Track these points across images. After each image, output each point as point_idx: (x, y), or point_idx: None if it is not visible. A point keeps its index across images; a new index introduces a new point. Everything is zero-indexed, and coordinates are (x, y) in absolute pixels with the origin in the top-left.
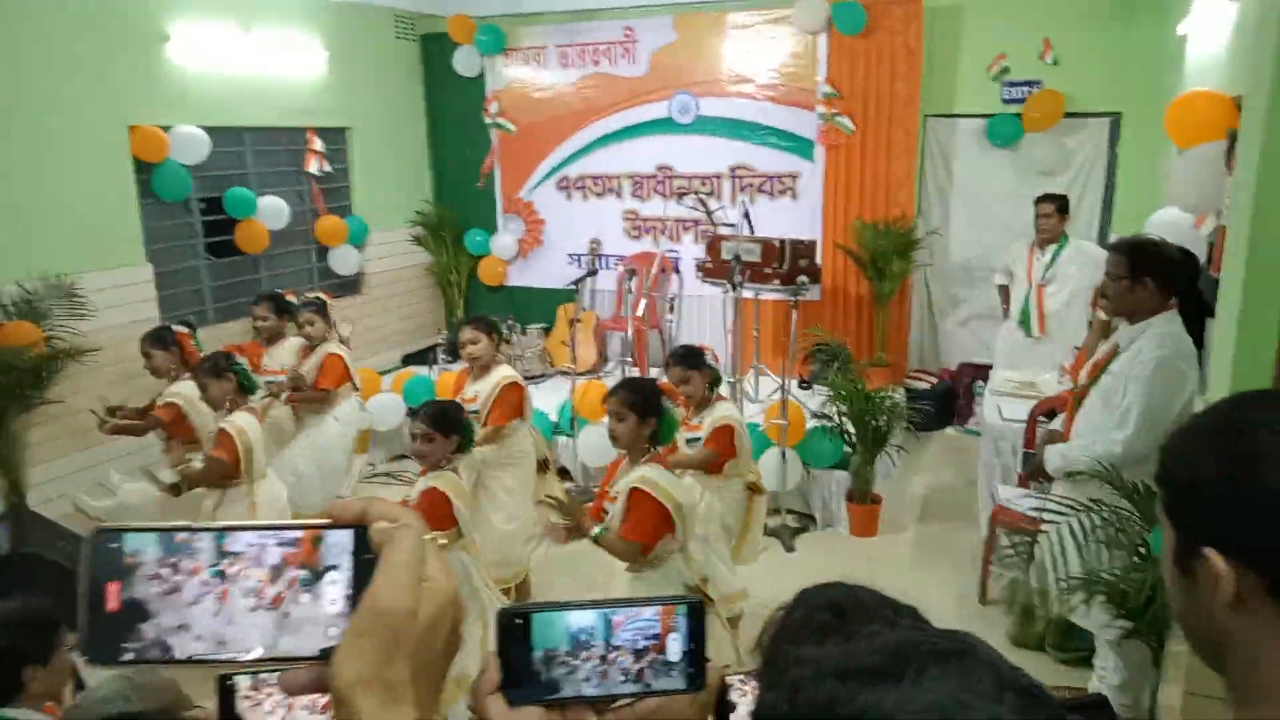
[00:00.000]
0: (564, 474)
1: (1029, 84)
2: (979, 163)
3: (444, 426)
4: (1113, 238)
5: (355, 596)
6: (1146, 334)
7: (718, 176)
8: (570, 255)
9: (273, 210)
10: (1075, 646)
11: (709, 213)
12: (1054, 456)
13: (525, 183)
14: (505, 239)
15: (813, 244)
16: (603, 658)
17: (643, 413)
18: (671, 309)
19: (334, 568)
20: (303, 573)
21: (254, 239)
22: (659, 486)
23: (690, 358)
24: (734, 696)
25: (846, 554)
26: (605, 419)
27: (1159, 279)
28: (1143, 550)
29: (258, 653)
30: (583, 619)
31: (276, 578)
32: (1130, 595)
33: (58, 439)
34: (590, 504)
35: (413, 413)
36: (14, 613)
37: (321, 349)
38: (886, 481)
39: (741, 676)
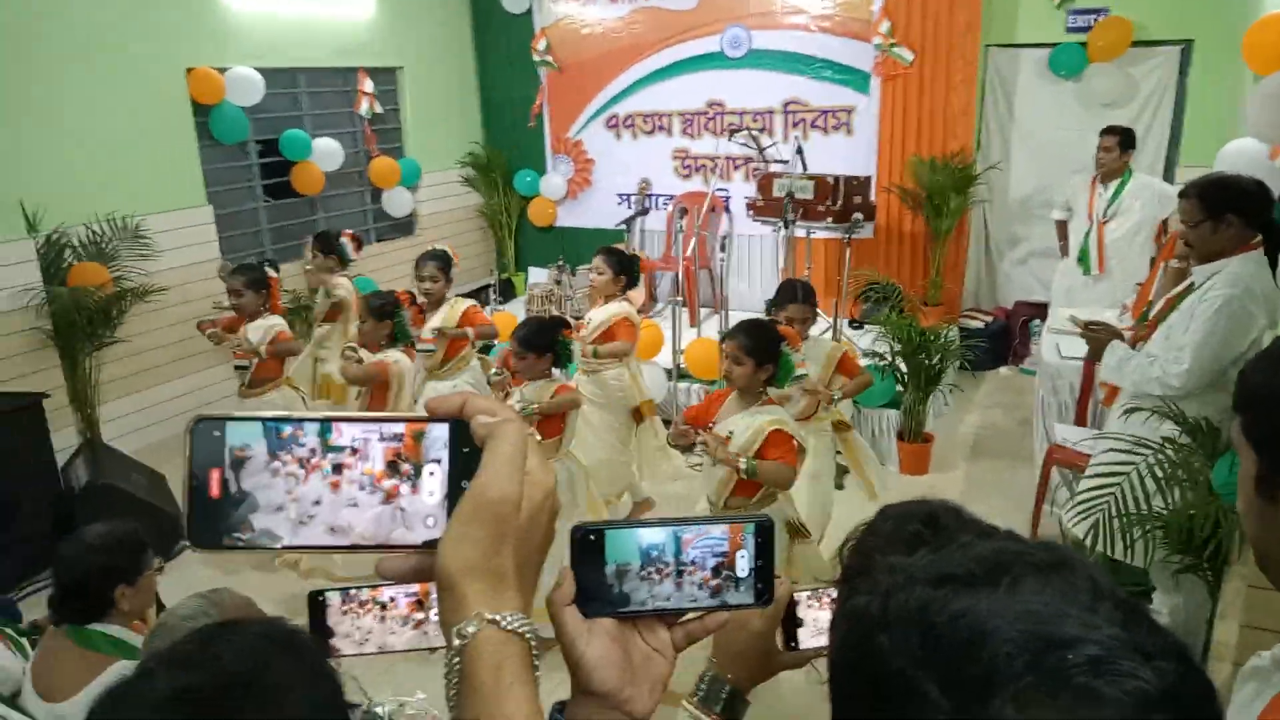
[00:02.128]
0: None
1: (1095, 11)
2: (1041, 95)
3: (535, 346)
4: (1180, 173)
5: (454, 489)
6: (1222, 273)
7: (770, 112)
8: (620, 195)
9: (327, 152)
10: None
11: (760, 149)
12: (1114, 355)
13: (574, 122)
14: (554, 179)
15: (867, 180)
16: (673, 573)
17: (761, 359)
18: (723, 248)
19: (434, 460)
20: (405, 465)
21: (310, 181)
22: (792, 428)
23: (812, 294)
24: (801, 612)
25: (896, 492)
26: (659, 356)
27: (1242, 213)
28: (1204, 486)
29: (361, 540)
30: (654, 536)
31: (378, 469)
32: (1193, 532)
33: (127, 376)
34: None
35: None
36: (104, 535)
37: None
38: (938, 420)
39: (809, 592)
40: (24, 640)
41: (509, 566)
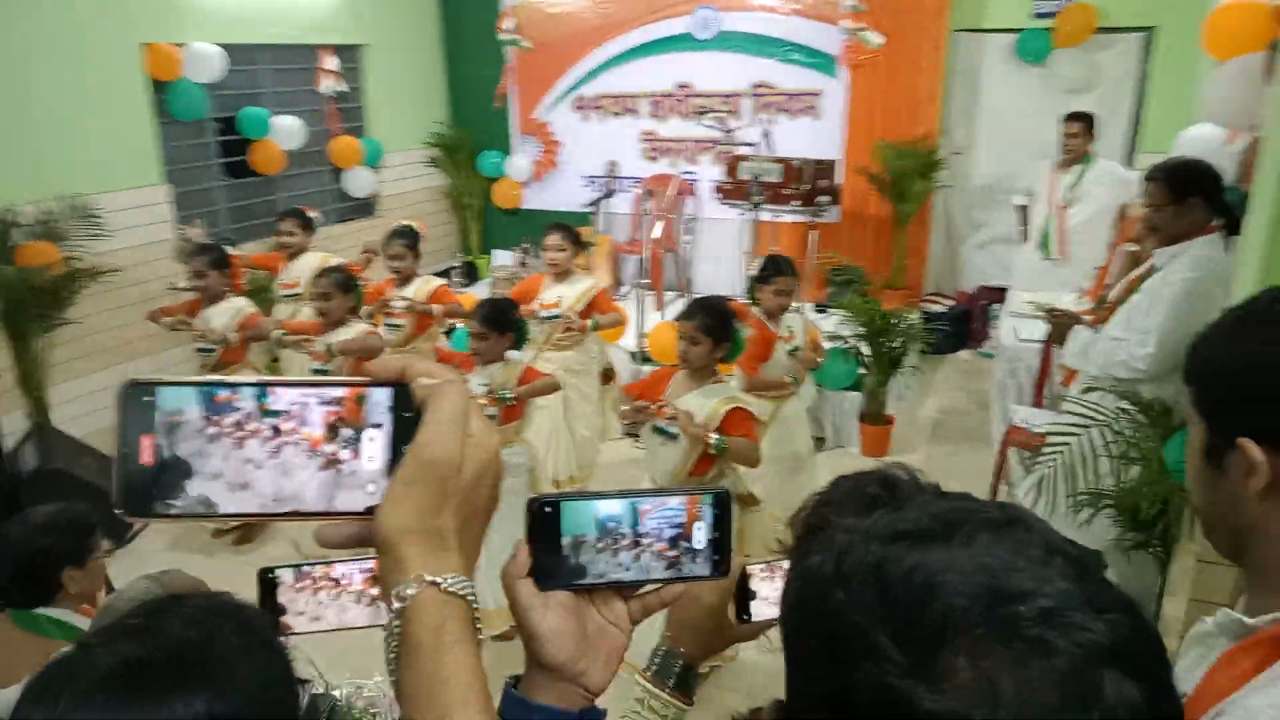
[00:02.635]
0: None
1: None
2: (1006, 80)
3: (497, 325)
4: (1140, 159)
5: (396, 454)
6: (1184, 255)
7: (738, 95)
8: (586, 177)
9: (287, 130)
10: None
11: (728, 132)
12: (1078, 341)
13: (541, 103)
14: (520, 161)
15: (832, 164)
16: (630, 545)
17: (718, 337)
18: (689, 231)
19: (375, 425)
20: (345, 429)
21: (269, 160)
22: (751, 404)
23: (794, 267)
24: (754, 584)
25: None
26: (624, 339)
27: (1206, 196)
28: (1155, 465)
29: (300, 507)
30: (610, 508)
31: (317, 434)
32: (1142, 508)
33: (79, 359)
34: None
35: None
36: (51, 516)
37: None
38: (899, 403)
39: (763, 565)
40: None
41: (450, 528)
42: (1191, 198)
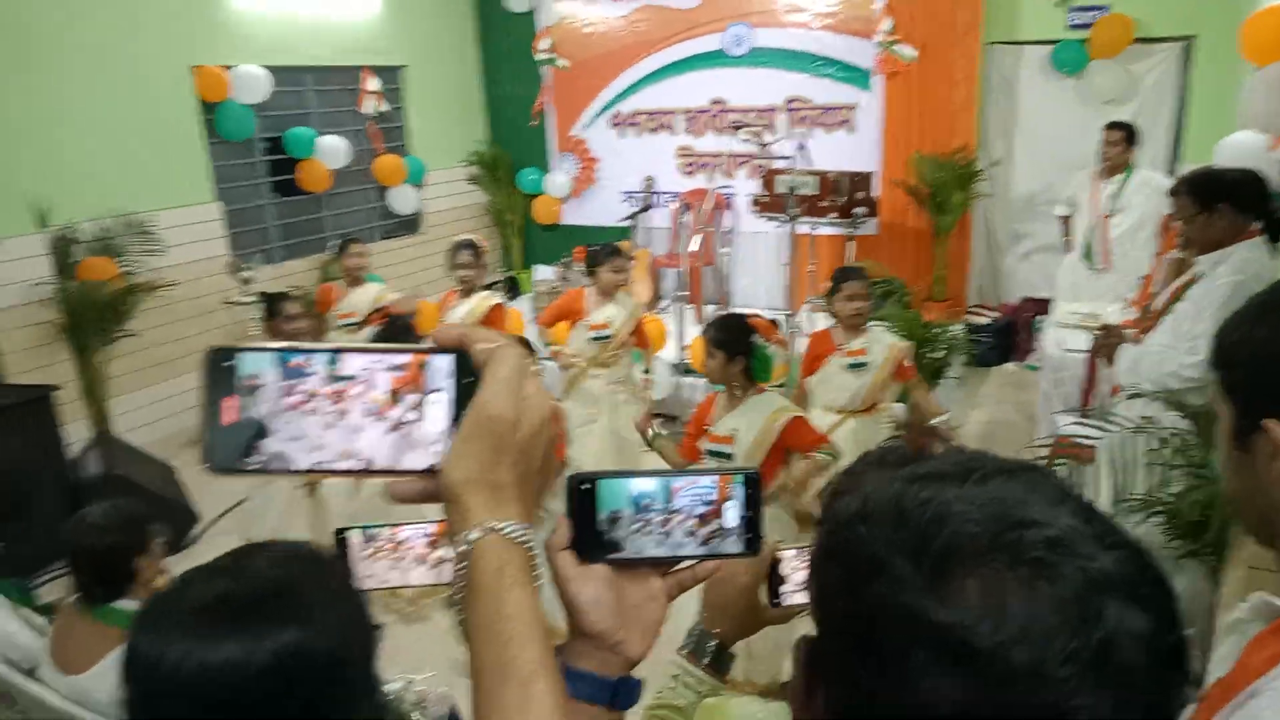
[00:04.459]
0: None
1: (1096, 8)
2: (1042, 92)
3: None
4: (1182, 168)
5: (457, 416)
6: (1227, 261)
7: (772, 109)
8: (624, 193)
9: (332, 150)
10: None
11: (764, 146)
12: (1126, 358)
13: (578, 120)
14: (559, 177)
15: (869, 176)
16: (663, 521)
17: (730, 350)
18: (726, 244)
19: (437, 390)
20: (409, 394)
21: (315, 178)
22: (797, 409)
23: (862, 272)
24: (785, 569)
25: None
26: (663, 351)
27: (1233, 202)
28: (1203, 472)
29: (370, 465)
30: (644, 485)
31: (384, 397)
32: (1186, 513)
33: (138, 371)
34: (678, 443)
35: None
36: (107, 513)
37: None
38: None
39: (794, 550)
40: (42, 619)
41: (508, 480)
42: (1219, 205)
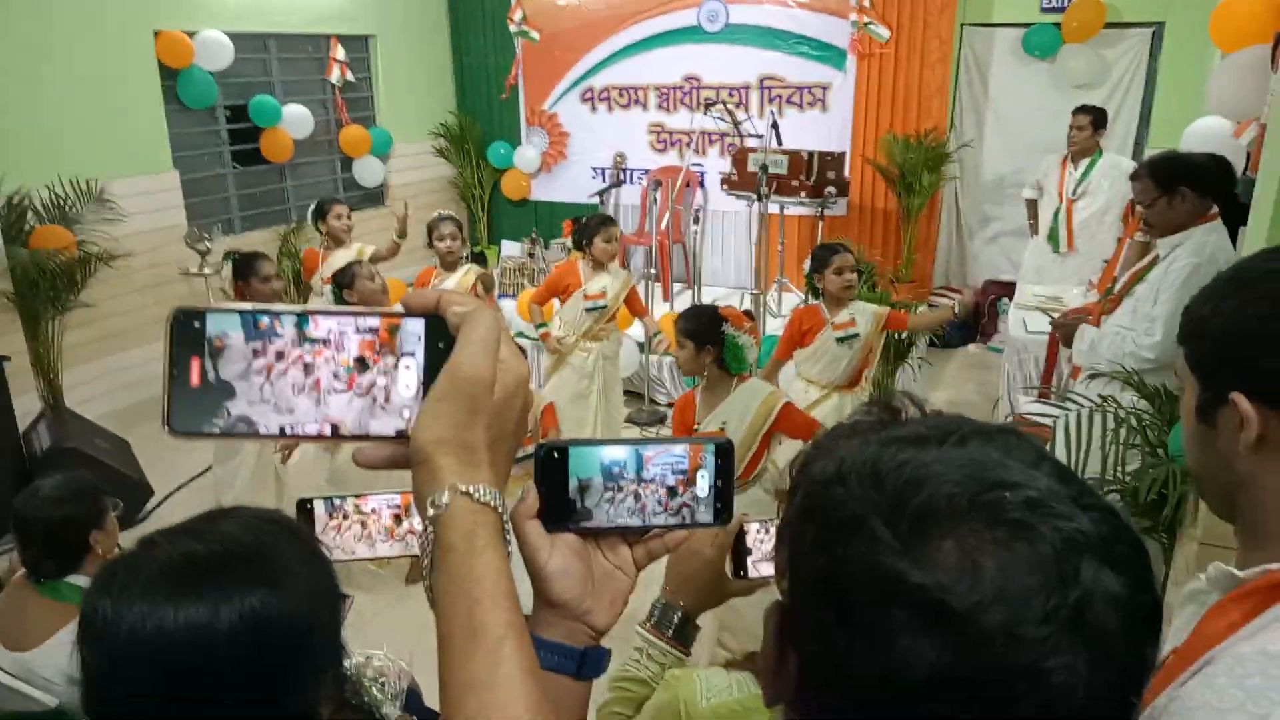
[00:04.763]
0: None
1: None
2: (1014, 75)
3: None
4: (1149, 153)
5: (428, 382)
6: (1186, 243)
7: (746, 87)
8: (594, 169)
9: (297, 119)
10: None
11: (736, 124)
12: (1084, 339)
13: (549, 94)
14: (529, 152)
15: (841, 156)
16: (634, 490)
17: (700, 341)
18: (696, 222)
19: (409, 354)
20: (380, 358)
21: (279, 148)
22: (783, 394)
23: (847, 245)
24: (750, 541)
25: None
26: (631, 329)
27: (1194, 185)
28: (1160, 451)
29: (334, 430)
30: (616, 454)
31: (354, 361)
32: (1144, 493)
33: (92, 342)
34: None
35: None
36: (60, 486)
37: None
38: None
39: (759, 523)
40: None
41: (480, 442)
42: (1180, 188)
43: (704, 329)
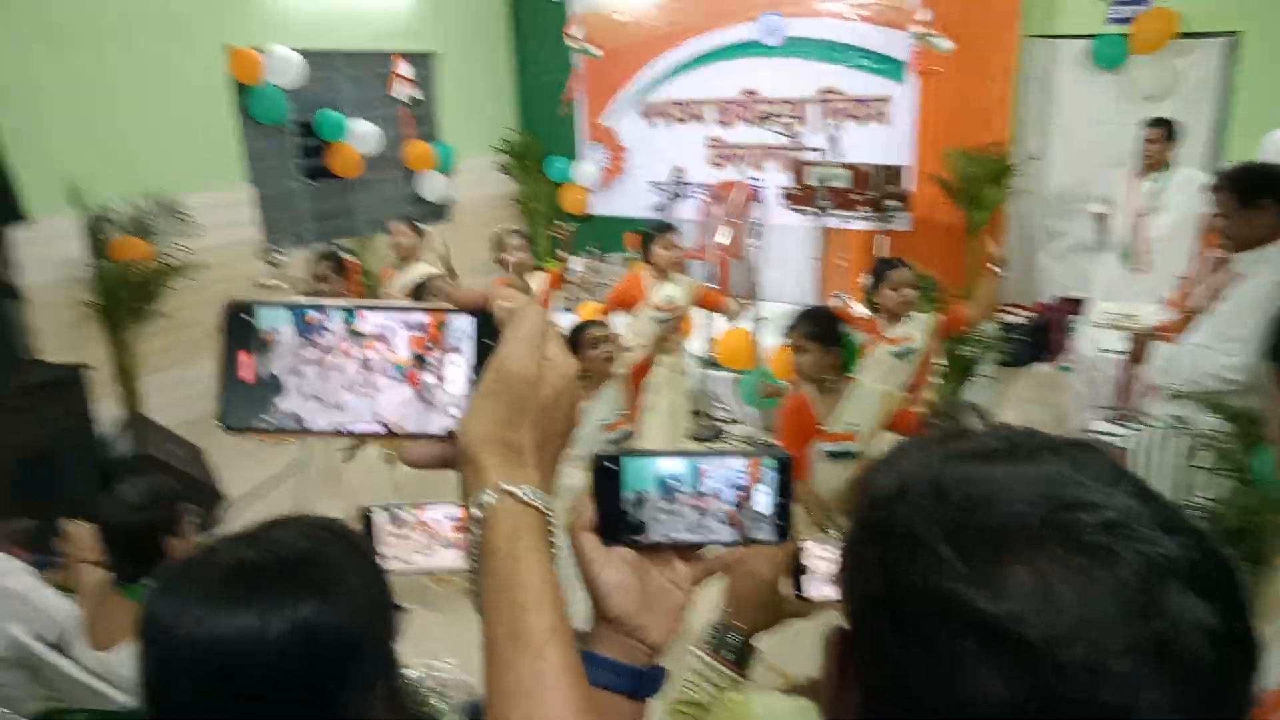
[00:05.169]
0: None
1: (1138, 2)
2: (1081, 87)
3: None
4: (1224, 165)
5: (476, 379)
6: (1269, 259)
7: (805, 101)
8: (652, 184)
9: (363, 135)
10: None
11: (794, 138)
12: (1160, 356)
13: (608, 109)
14: (587, 167)
15: (900, 170)
16: (691, 504)
17: (825, 342)
18: (756, 236)
19: (457, 351)
20: (428, 354)
21: (346, 163)
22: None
23: (903, 261)
24: (808, 560)
25: None
26: (691, 344)
27: (1276, 197)
28: (1244, 476)
29: (382, 428)
30: (672, 466)
31: (402, 357)
32: (1229, 519)
33: (168, 351)
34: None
35: None
36: (140, 491)
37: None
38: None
39: (818, 541)
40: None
41: (526, 442)
42: (1261, 200)
43: (829, 330)
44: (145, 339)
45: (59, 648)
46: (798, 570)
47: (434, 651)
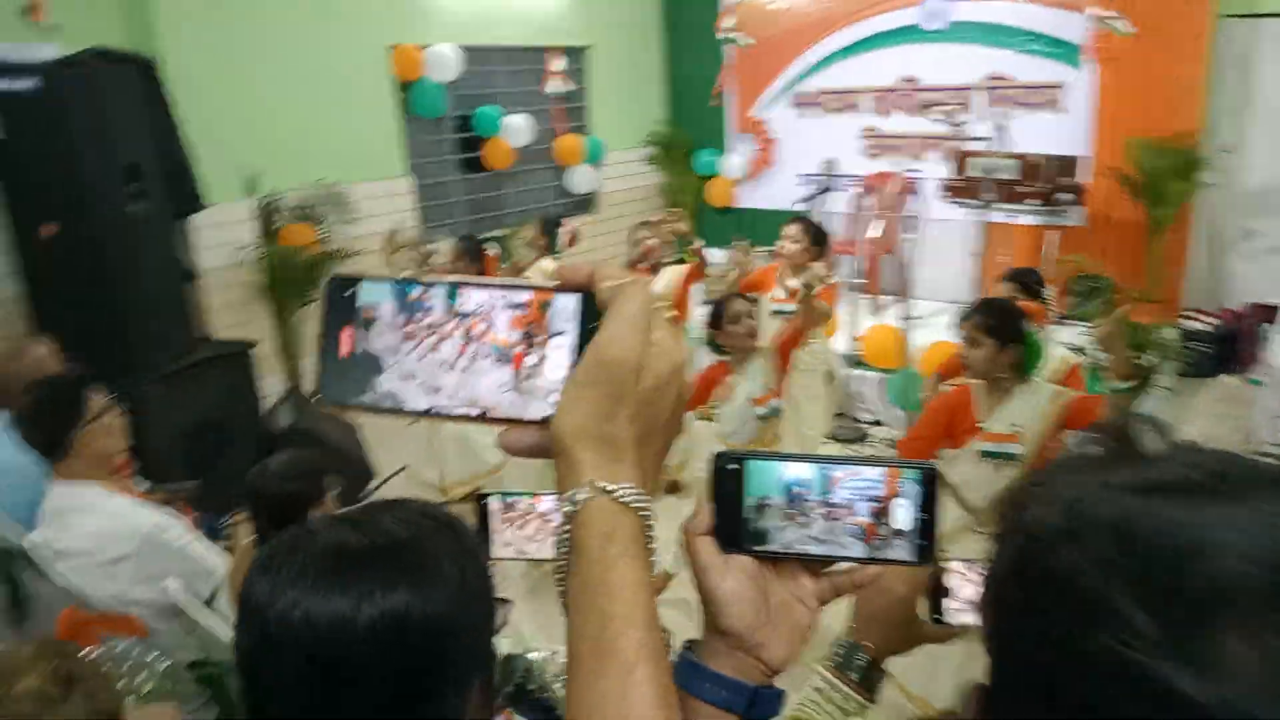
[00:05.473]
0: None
1: None
2: None
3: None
4: None
5: (579, 363)
6: None
7: (969, 88)
8: (802, 175)
9: (516, 129)
10: None
11: (957, 127)
12: None
13: (758, 100)
14: (735, 159)
15: (1075, 161)
16: (820, 515)
17: (1002, 338)
18: (910, 231)
19: (560, 333)
20: (530, 335)
21: (500, 157)
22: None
23: (1036, 274)
24: (949, 582)
25: None
26: (835, 341)
27: None
28: None
29: (479, 411)
30: (799, 471)
31: (502, 338)
32: None
33: None
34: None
35: None
36: (287, 463)
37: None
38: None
39: (961, 563)
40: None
41: (625, 436)
42: None
43: (1008, 325)
44: (308, 319)
45: (209, 602)
46: (938, 592)
47: (558, 636)
